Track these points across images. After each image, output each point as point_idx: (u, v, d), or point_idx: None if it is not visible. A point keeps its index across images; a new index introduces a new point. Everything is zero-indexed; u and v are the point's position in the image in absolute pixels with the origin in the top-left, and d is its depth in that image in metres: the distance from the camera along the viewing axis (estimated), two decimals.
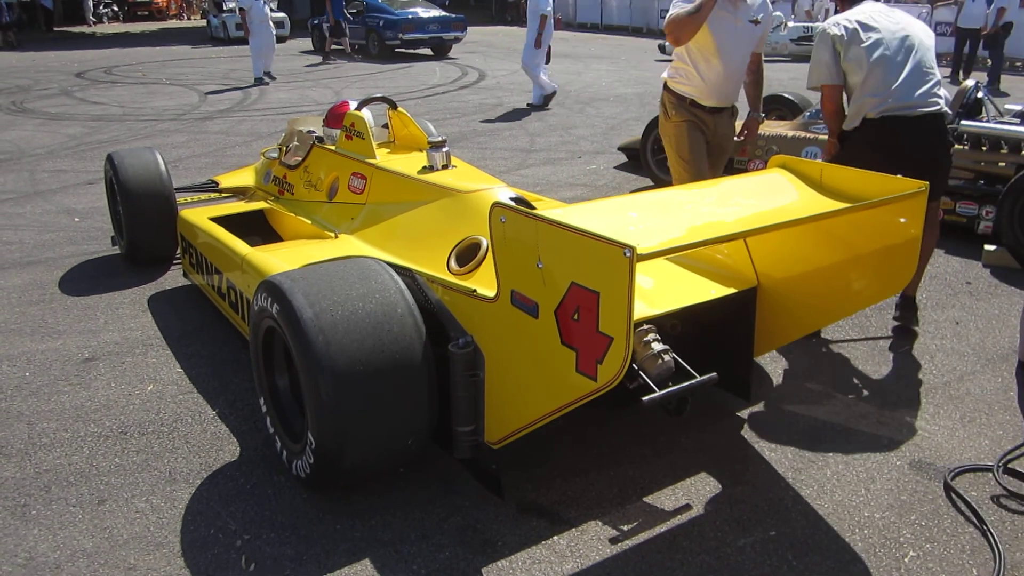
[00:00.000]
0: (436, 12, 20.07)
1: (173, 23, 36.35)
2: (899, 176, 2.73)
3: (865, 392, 3.68)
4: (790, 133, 6.47)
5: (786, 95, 8.00)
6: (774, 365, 3.91)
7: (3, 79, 16.09)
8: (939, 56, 15.79)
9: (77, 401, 3.64)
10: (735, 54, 4.41)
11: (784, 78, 13.95)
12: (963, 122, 5.77)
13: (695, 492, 2.95)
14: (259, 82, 14.86)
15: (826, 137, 4.76)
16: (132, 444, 3.28)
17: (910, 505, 2.87)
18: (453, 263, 3.22)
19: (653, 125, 7.36)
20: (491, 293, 2.63)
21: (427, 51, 20.40)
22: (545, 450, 3.15)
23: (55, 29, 30.63)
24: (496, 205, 2.48)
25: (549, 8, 11.39)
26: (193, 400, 3.62)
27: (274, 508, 2.86)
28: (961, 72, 14.88)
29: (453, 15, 20.69)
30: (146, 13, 37.18)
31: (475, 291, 2.77)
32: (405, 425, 2.73)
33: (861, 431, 3.35)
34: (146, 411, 3.54)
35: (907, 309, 4.24)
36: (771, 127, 6.72)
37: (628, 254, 2.00)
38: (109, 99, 13.30)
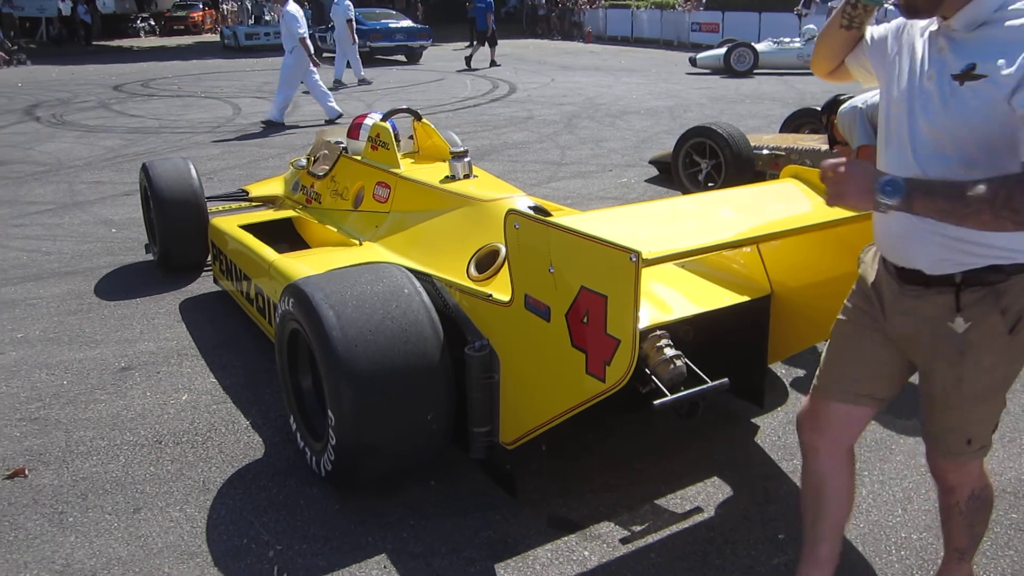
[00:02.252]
0: (404, 23, 23.02)
1: (208, 37, 36.90)
2: None
3: (901, 409, 3.62)
4: (823, 147, 6.41)
5: (818, 108, 7.93)
6: (809, 380, 3.87)
7: (44, 92, 16.44)
8: None
9: (113, 410, 3.69)
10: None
11: (817, 91, 13.85)
12: None
13: (727, 510, 2.92)
14: (361, 83, 16.59)
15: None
16: (167, 453, 3.32)
17: None
18: (473, 270, 3.29)
19: (685, 138, 7.35)
20: (506, 298, 2.69)
21: (401, 57, 22.60)
22: (576, 465, 3.14)
23: (94, 43, 31.22)
24: (511, 212, 2.56)
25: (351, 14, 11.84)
26: (227, 410, 3.66)
27: (306, 519, 2.88)
28: None
29: (418, 26, 23.41)
30: (182, 27, 37.83)
31: (491, 296, 2.84)
32: (423, 425, 2.79)
33: (897, 450, 3.30)
34: (180, 420, 3.58)
35: None
36: (804, 141, 6.67)
37: (634, 258, 2.05)
38: (146, 112, 13.53)
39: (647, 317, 2.89)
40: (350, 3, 16.55)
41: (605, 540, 2.75)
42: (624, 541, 2.75)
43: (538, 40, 29.97)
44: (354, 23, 16.63)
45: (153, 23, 37.48)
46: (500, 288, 2.88)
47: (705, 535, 2.78)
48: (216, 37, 33.80)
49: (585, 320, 2.31)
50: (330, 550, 2.72)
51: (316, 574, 2.62)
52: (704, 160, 7.21)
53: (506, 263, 2.75)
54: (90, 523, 2.89)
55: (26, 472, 3.19)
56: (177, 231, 5.22)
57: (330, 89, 12.74)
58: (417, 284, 2.93)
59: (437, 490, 3.03)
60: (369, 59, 20.80)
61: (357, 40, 16.89)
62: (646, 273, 2.16)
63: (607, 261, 2.15)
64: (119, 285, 5.33)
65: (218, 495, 3.03)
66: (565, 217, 2.68)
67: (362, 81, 16.79)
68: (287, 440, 3.31)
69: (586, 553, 2.69)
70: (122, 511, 2.95)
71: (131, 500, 3.02)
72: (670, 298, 3.13)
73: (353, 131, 4.94)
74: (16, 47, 24.19)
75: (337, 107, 11.85)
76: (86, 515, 2.94)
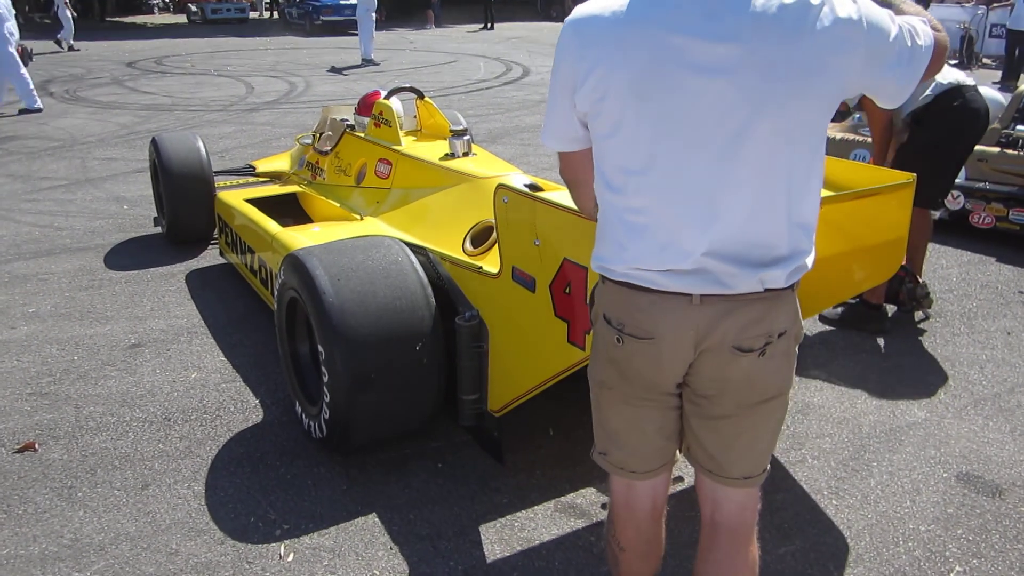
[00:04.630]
0: (344, 3, 25.58)
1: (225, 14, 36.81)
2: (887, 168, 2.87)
3: (911, 401, 3.60)
4: (838, 135, 6.36)
5: None
6: (819, 371, 3.85)
7: (58, 68, 16.44)
8: (992, 59, 15.27)
9: (123, 386, 3.70)
10: None
11: None
12: (1019, 127, 5.62)
13: None
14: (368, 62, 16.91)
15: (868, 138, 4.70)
16: (175, 431, 3.33)
17: (957, 519, 2.80)
18: (468, 244, 3.37)
19: None
20: (496, 270, 2.79)
21: (354, 31, 23.23)
22: (584, 450, 3.13)
23: (108, 19, 31.18)
24: (500, 187, 2.67)
25: None
26: (236, 389, 3.66)
27: (314, 499, 2.89)
28: (1020, 77, 14.46)
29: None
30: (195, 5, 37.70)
31: (481, 268, 2.96)
32: (414, 391, 2.91)
33: (907, 441, 3.28)
34: (189, 398, 3.59)
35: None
36: None
37: None
38: (159, 89, 13.52)
39: None
40: None
41: None
42: None
43: (552, 23, 29.77)
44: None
45: (167, 0, 37.37)
46: (493, 262, 2.94)
47: None
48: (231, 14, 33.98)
49: (567, 291, 2.42)
50: (337, 530, 2.73)
51: (322, 554, 2.62)
52: None
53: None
54: (99, 498, 2.90)
55: (36, 446, 3.21)
56: (185, 204, 5.32)
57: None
58: (411, 256, 3.03)
59: (444, 473, 3.03)
60: (323, 30, 24.91)
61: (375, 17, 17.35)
62: None
63: (587, 233, 2.16)
64: (130, 261, 5.34)
65: (226, 473, 3.04)
66: (552, 192, 2.75)
67: (368, 62, 16.87)
68: (295, 420, 3.31)
69: (592, 539, 2.69)
70: (131, 487, 2.97)
71: (140, 476, 3.03)
72: None
73: (363, 108, 4.98)
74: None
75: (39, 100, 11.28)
76: (95, 490, 2.95)
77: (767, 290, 1.61)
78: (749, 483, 1.82)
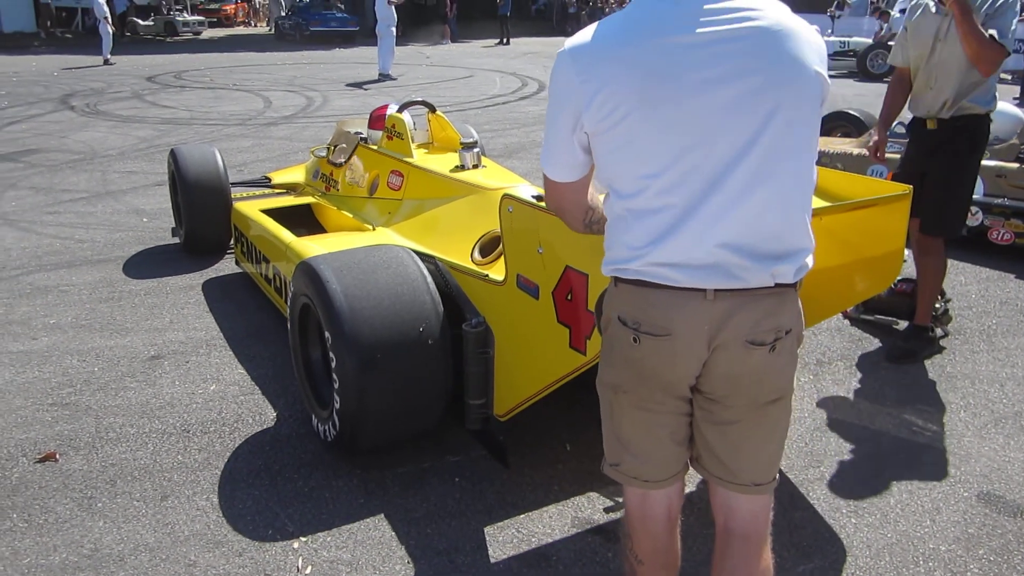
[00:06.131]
0: (338, 15, 29.38)
1: (240, 30, 37.21)
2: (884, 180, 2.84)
3: (931, 419, 3.58)
4: (855, 151, 6.35)
5: (851, 111, 7.86)
6: (838, 388, 3.83)
7: (79, 82, 16.64)
8: (1010, 74, 15.14)
9: (143, 398, 3.73)
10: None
11: (848, 94, 13.70)
12: None
13: None
14: (385, 77, 17.04)
15: (893, 155, 4.66)
16: (194, 442, 3.35)
17: (978, 539, 2.78)
18: (477, 254, 3.44)
19: None
20: (501, 278, 2.88)
21: (342, 43, 26.90)
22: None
23: (127, 34, 31.51)
24: (505, 196, 2.75)
25: None
26: (254, 401, 3.68)
27: (332, 512, 2.89)
28: None
29: (349, 16, 29.71)
30: (215, 20, 38.15)
31: (487, 276, 3.03)
32: (421, 396, 2.97)
33: (926, 459, 3.26)
34: (208, 410, 3.61)
35: (916, 337, 4.21)
36: (835, 144, 6.60)
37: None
38: (178, 103, 13.65)
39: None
40: None
41: None
42: None
43: (568, 38, 29.84)
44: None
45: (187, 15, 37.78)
46: (501, 271, 2.98)
47: None
48: (248, 30, 34.38)
49: (569, 297, 2.48)
50: (354, 543, 2.73)
51: (340, 567, 2.63)
52: None
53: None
54: (118, 509, 2.92)
55: (57, 457, 3.24)
56: (202, 215, 5.41)
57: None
58: (420, 264, 3.10)
59: (462, 488, 3.03)
60: (312, 40, 27.17)
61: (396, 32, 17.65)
62: None
63: (587, 241, 2.25)
64: (149, 272, 5.39)
65: (244, 485, 3.06)
66: None
67: (385, 77, 16.99)
68: (313, 432, 3.33)
69: (610, 555, 2.68)
70: (150, 498, 2.98)
71: (159, 487, 3.05)
72: None
73: (374, 122, 5.07)
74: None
75: None
76: (114, 501, 2.97)
77: (777, 285, 1.68)
78: (759, 490, 1.87)
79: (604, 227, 1.84)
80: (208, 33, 32.94)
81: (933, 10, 3.87)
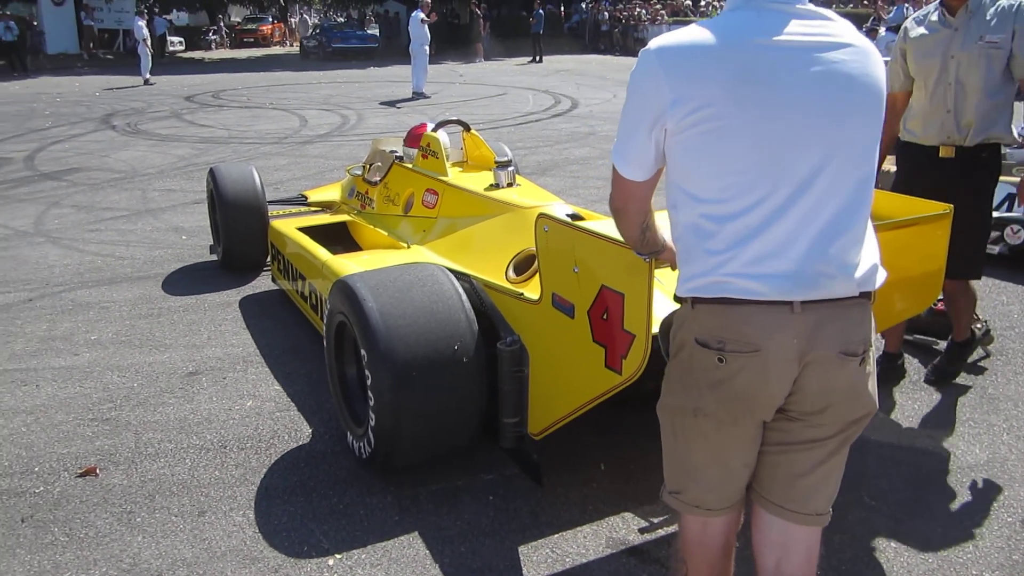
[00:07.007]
0: (358, 32, 32.59)
1: (276, 49, 37.85)
2: (922, 199, 2.86)
3: (972, 441, 3.51)
4: (884, 167, 6.27)
5: None
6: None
7: (119, 102, 17.00)
8: None
9: (181, 413, 3.78)
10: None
11: None
12: None
13: None
14: (419, 95, 17.24)
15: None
16: (231, 458, 3.39)
17: (1023, 566, 2.71)
18: (511, 272, 3.45)
19: None
20: (536, 296, 2.87)
21: (363, 59, 29.11)
22: (636, 486, 3.11)
23: (167, 54, 32.18)
24: (541, 216, 2.74)
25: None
26: (290, 418, 3.72)
27: (366, 529, 2.91)
28: None
29: (368, 33, 33.32)
30: (251, 40, 38.87)
31: (522, 294, 3.03)
32: (456, 414, 2.99)
33: (968, 483, 3.20)
34: (245, 426, 3.65)
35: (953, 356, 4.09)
36: None
37: (647, 258, 2.15)
38: (216, 122, 13.89)
39: (666, 313, 2.95)
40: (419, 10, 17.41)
41: (664, 564, 2.72)
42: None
43: (600, 56, 29.98)
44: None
45: (224, 36, 38.53)
46: (535, 290, 2.99)
47: None
48: (284, 49, 35.02)
49: (605, 316, 2.47)
50: (388, 561, 2.74)
51: None
52: None
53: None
54: (157, 524, 2.96)
55: (97, 471, 3.29)
56: (240, 232, 5.49)
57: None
58: (455, 282, 3.12)
59: (496, 506, 3.03)
60: (335, 56, 29.34)
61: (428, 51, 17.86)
62: (669, 274, 2.22)
63: (624, 261, 2.28)
64: (187, 290, 5.47)
65: (280, 501, 3.08)
66: (591, 222, 2.85)
67: (419, 95, 17.16)
68: (348, 449, 3.35)
69: None
70: (188, 513, 3.02)
71: (196, 503, 3.08)
72: None
73: (411, 140, 5.12)
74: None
75: None
76: (153, 516, 3.01)
77: (860, 294, 1.69)
78: (819, 520, 1.85)
79: (656, 244, 1.88)
80: (246, 53, 33.52)
81: (937, 21, 3.58)
